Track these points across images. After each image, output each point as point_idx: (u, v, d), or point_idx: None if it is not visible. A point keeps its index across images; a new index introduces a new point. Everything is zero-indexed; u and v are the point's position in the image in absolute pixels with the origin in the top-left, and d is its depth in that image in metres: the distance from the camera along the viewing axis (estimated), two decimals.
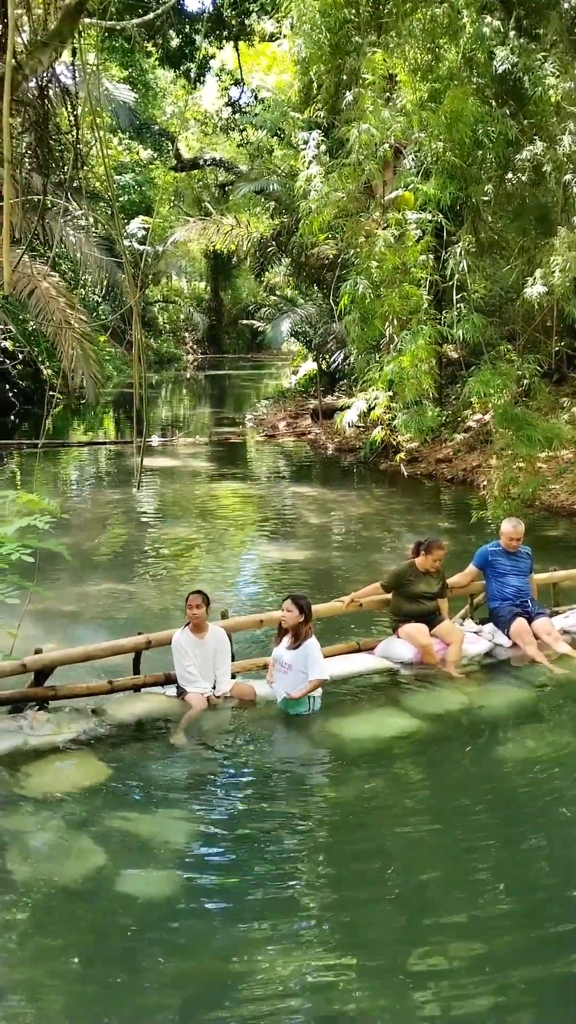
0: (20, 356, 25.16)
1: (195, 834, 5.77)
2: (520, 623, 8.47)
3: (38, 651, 7.21)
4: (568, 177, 12.42)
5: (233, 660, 7.72)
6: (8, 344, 24.49)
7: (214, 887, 5.21)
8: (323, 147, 17.64)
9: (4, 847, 5.58)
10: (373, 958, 4.61)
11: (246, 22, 29.18)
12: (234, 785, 6.49)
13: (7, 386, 26.71)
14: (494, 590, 8.79)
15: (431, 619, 8.33)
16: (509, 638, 8.53)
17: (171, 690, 7.53)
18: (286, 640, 7.37)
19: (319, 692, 7.36)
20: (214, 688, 7.40)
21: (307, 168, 15.41)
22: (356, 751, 6.89)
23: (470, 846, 5.66)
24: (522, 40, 12.20)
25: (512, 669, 8.34)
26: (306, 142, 18.37)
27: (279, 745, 7.10)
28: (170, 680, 7.56)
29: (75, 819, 5.87)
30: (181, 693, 7.39)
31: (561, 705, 7.71)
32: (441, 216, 12.45)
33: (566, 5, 12.32)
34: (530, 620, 8.54)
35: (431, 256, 13.17)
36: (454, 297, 12.35)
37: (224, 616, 8.12)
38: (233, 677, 7.63)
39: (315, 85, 18.86)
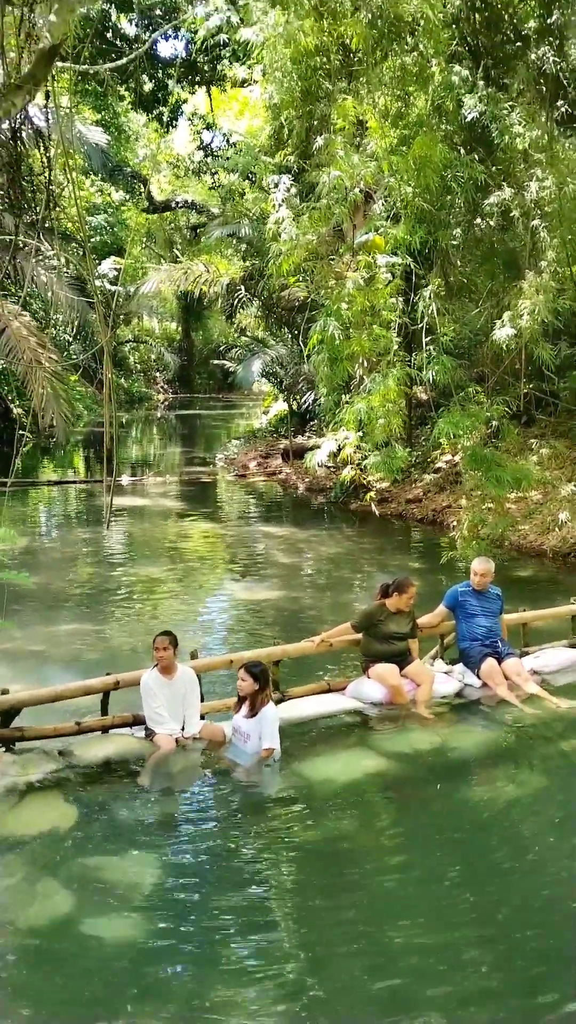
0: None
1: (164, 877, 5.68)
2: (490, 663, 8.48)
3: (5, 691, 7.13)
4: (535, 222, 12.64)
5: (202, 701, 7.67)
6: None
7: (183, 931, 5.14)
8: (293, 190, 17.86)
9: None
10: (344, 1005, 4.54)
11: (218, 68, 29.58)
12: (203, 827, 6.42)
13: None
14: (464, 630, 8.80)
15: (401, 659, 8.32)
16: (479, 678, 8.54)
17: (139, 731, 7.46)
18: (244, 709, 7.29)
19: (279, 750, 7.30)
20: (183, 729, 7.34)
21: (277, 211, 15.56)
22: (326, 792, 6.84)
23: (440, 889, 5.62)
24: (490, 89, 12.46)
25: (482, 710, 8.33)
26: (276, 185, 18.58)
27: (248, 786, 7.03)
28: (138, 721, 7.49)
29: (41, 862, 5.78)
30: (149, 734, 7.33)
31: (531, 746, 7.69)
32: (410, 259, 12.59)
33: (533, 56, 12.58)
34: (500, 660, 8.56)
35: (400, 299, 13.31)
36: (423, 339, 12.47)
37: (194, 656, 8.06)
38: (202, 718, 7.57)
39: (286, 130, 19.14)
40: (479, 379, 15.09)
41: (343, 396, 13.45)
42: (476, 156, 12.69)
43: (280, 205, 16.12)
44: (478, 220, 13.60)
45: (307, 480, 22.85)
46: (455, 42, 13.00)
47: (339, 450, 18.16)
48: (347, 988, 4.66)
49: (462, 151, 12.70)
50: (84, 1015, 4.48)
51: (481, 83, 12.49)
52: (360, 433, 12.72)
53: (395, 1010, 4.52)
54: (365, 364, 13.65)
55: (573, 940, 5.09)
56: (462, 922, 5.27)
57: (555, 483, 16.45)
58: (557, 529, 15.41)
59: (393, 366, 12.20)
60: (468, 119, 12.45)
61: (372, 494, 17.40)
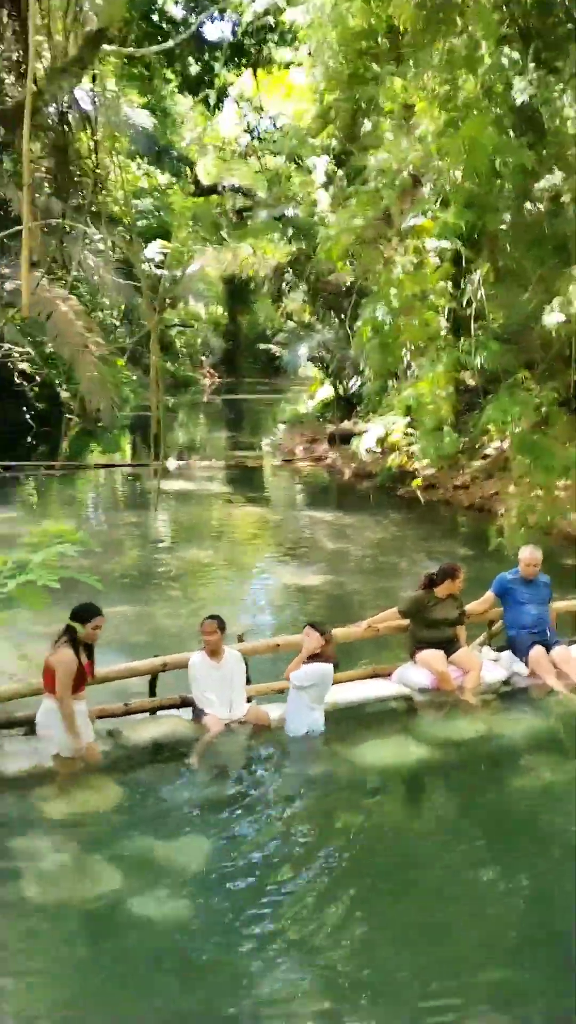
0: (37, 378, 25.33)
1: (210, 859, 5.74)
2: (538, 651, 8.43)
3: None
4: None
5: (248, 684, 7.71)
6: (26, 366, 24.66)
7: (228, 913, 5.18)
8: (339, 173, 17.80)
9: (19, 869, 5.59)
10: (387, 997, 4.55)
11: (264, 50, 29.49)
12: (249, 810, 6.46)
13: (24, 408, 26.89)
14: (512, 618, 8.75)
15: (449, 646, 8.30)
16: (527, 667, 8.49)
17: (187, 713, 7.52)
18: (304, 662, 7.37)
19: (321, 717, 7.36)
20: (230, 711, 7.39)
21: (315, 193, 15.55)
22: (372, 777, 6.88)
23: (485, 878, 5.61)
24: (541, 72, 12.31)
25: (529, 698, 8.29)
26: (315, 168, 18.54)
27: (295, 770, 7.08)
28: (186, 703, 7.55)
29: (90, 842, 5.88)
30: (197, 716, 7.38)
31: None
32: (459, 244, 12.50)
33: None
34: (548, 649, 8.50)
35: (449, 283, 13.23)
36: (472, 325, 12.40)
37: (241, 640, 8.11)
38: (248, 701, 7.62)
39: (331, 112, 19.08)
40: (528, 365, 14.93)
41: (390, 382, 13.43)
42: (526, 140, 12.55)
43: (320, 188, 16.10)
44: (528, 204, 13.46)
45: (353, 465, 22.77)
46: (505, 24, 12.85)
47: (386, 435, 18.15)
48: (394, 975, 4.67)
49: (511, 134, 12.57)
50: (128, 994, 4.55)
51: (531, 66, 12.34)
52: (408, 419, 12.69)
53: (443, 997, 4.52)
54: (413, 349, 13.62)
55: None
56: (509, 910, 5.27)
57: None
58: None
59: (442, 351, 12.15)
60: (518, 102, 12.31)
61: (419, 480, 17.35)
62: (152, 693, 7.69)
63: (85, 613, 6.83)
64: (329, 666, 7.33)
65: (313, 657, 7.28)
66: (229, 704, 7.40)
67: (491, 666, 8.54)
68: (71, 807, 6.27)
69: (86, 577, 5.06)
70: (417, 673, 8.22)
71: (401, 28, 13.54)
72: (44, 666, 6.72)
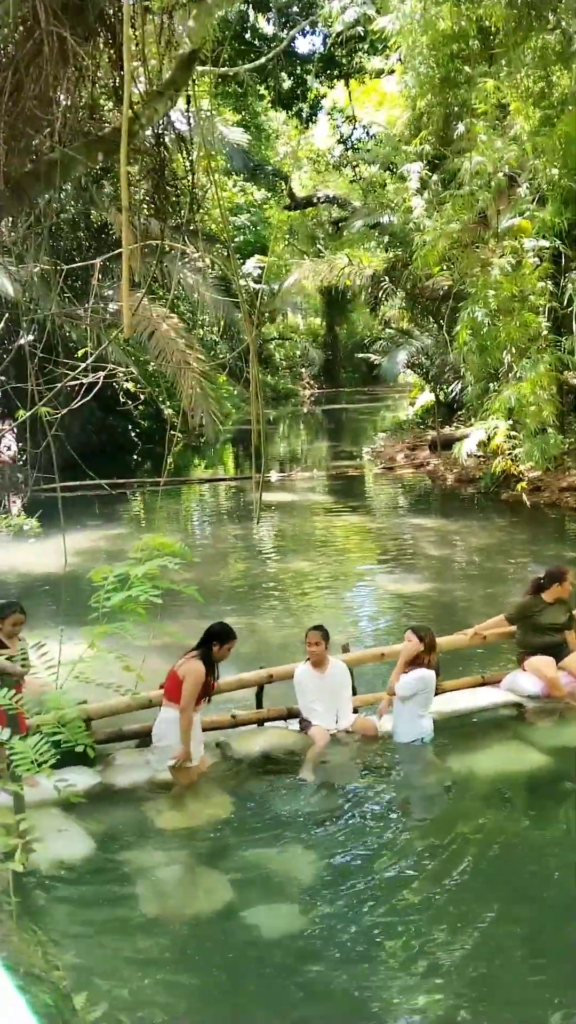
0: (141, 397, 25.80)
1: (321, 870, 5.71)
2: None
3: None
4: None
5: (354, 694, 7.67)
6: (130, 385, 25.13)
7: (341, 927, 5.14)
8: (434, 178, 17.67)
9: (134, 880, 5.65)
10: (509, 1008, 4.45)
11: (355, 60, 29.54)
12: (360, 821, 6.41)
13: (129, 426, 27.37)
14: None
15: (559, 651, 8.13)
16: None
17: (294, 724, 7.52)
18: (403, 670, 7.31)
19: (430, 724, 7.26)
20: (337, 722, 7.37)
21: (411, 199, 15.46)
22: (483, 787, 6.77)
23: None
24: None
25: None
26: (410, 175, 18.39)
27: (404, 780, 7.01)
28: (292, 714, 7.56)
29: (202, 853, 5.92)
30: (304, 727, 7.38)
31: None
32: (559, 242, 12.30)
33: None
34: None
35: (549, 282, 13.00)
36: (574, 323, 12.17)
37: (345, 650, 8.08)
38: (355, 711, 7.58)
39: (424, 117, 18.98)
40: None
41: (491, 384, 13.24)
42: None
43: (415, 194, 16.00)
44: None
45: (456, 471, 22.53)
46: None
47: (489, 439, 17.92)
48: (512, 990, 4.57)
49: None
50: (243, 1006, 4.55)
51: None
52: (510, 421, 12.51)
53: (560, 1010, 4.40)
54: (514, 351, 13.42)
55: None
56: None
57: None
58: None
59: (543, 352, 11.96)
60: None
61: (523, 483, 17.05)
62: (259, 705, 7.72)
63: (224, 635, 6.93)
64: (430, 672, 7.25)
65: (413, 663, 7.22)
66: (335, 715, 7.39)
67: None
68: (183, 819, 6.32)
69: (188, 588, 5.10)
70: (527, 680, 8.07)
71: (492, 28, 13.40)
72: (170, 676, 6.81)
